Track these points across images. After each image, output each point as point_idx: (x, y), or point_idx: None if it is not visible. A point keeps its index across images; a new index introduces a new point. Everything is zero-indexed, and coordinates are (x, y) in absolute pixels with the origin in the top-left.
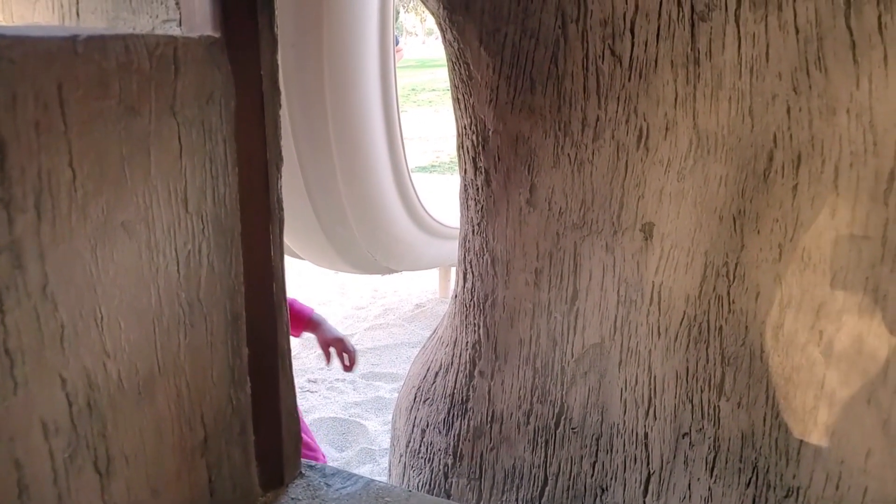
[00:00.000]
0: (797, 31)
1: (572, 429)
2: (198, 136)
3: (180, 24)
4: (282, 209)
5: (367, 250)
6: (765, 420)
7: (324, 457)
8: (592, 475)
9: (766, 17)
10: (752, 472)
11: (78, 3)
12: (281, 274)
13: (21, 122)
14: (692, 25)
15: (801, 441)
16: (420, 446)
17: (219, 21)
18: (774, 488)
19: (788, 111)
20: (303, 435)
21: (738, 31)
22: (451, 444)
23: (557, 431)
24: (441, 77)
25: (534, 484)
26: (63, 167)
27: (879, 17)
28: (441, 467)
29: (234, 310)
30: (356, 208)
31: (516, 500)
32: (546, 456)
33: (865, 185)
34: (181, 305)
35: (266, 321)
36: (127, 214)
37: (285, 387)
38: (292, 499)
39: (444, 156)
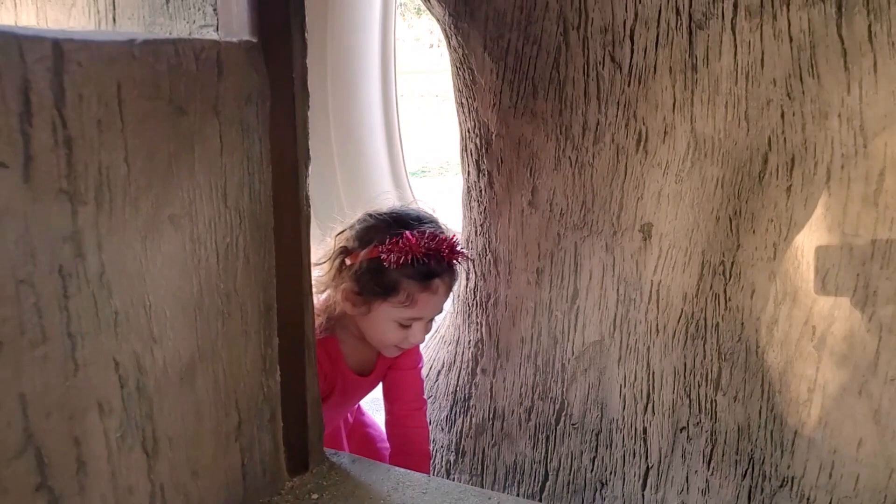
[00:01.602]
0: (791, 40)
1: (572, 425)
2: (237, 135)
3: (217, 30)
4: (309, 205)
5: None
6: (760, 413)
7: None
8: (592, 470)
9: (761, 25)
10: (748, 464)
11: (115, 8)
12: (308, 267)
13: (86, 120)
14: (690, 33)
15: (796, 432)
16: None
17: (256, 26)
18: (770, 479)
19: (782, 115)
20: (370, 430)
21: (735, 39)
22: (454, 440)
23: (558, 427)
24: (428, 84)
25: (535, 479)
26: (119, 163)
27: (870, 27)
28: (443, 464)
29: (266, 301)
30: (355, 214)
31: (517, 495)
32: (547, 451)
33: (856, 186)
34: (220, 296)
35: (295, 312)
36: (173, 208)
37: (311, 377)
38: (317, 483)
39: (433, 161)
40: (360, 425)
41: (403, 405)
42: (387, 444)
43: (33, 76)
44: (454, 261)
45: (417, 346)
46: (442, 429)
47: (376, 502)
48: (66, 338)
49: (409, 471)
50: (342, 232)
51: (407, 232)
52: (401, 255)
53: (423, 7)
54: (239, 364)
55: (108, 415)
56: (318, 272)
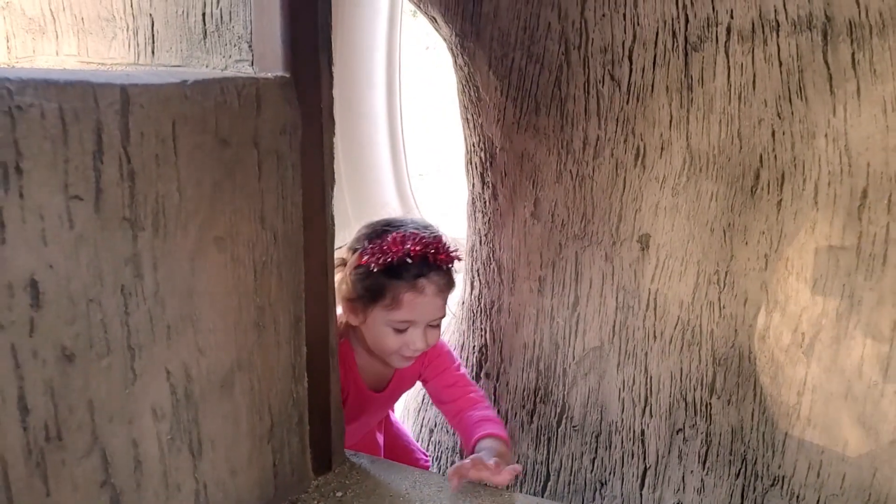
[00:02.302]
0: (780, 64)
1: (573, 427)
2: (272, 163)
3: (252, 64)
4: (333, 224)
5: None
6: (752, 415)
7: (426, 456)
8: (592, 470)
9: (753, 49)
10: (741, 464)
11: (154, 41)
12: (332, 282)
13: (146, 156)
14: (685, 55)
15: (786, 434)
16: (428, 445)
17: (288, 62)
18: (762, 478)
19: (773, 134)
20: (403, 441)
21: (728, 62)
22: (458, 442)
23: (559, 430)
24: (423, 86)
25: (537, 479)
26: (172, 192)
27: (853, 55)
28: (448, 464)
29: (296, 313)
30: (359, 217)
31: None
32: (548, 453)
33: (842, 202)
34: (256, 309)
35: (320, 323)
36: (217, 231)
37: (334, 383)
38: (340, 482)
39: (428, 164)
40: (394, 437)
41: (454, 404)
42: (421, 455)
43: (105, 118)
44: (441, 262)
45: (445, 352)
46: (447, 431)
47: (396, 499)
48: (126, 350)
49: (425, 470)
50: (341, 247)
51: (388, 235)
52: (381, 256)
53: (417, 9)
54: (272, 372)
55: (160, 419)
56: None
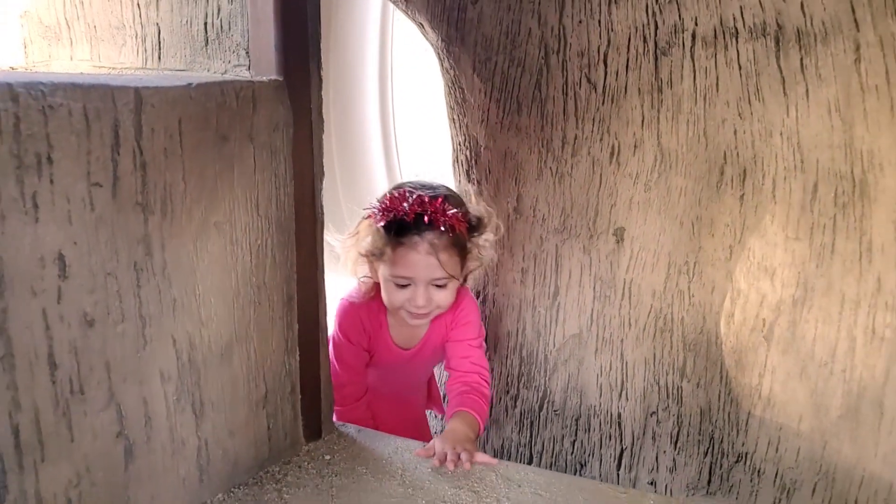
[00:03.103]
0: (740, 67)
1: (554, 411)
2: (267, 157)
3: (249, 69)
4: (323, 213)
5: None
6: (719, 397)
7: None
8: (573, 452)
9: (716, 54)
10: (709, 443)
11: (160, 48)
12: (322, 265)
13: (156, 149)
14: (655, 59)
15: (749, 413)
16: None
17: (281, 67)
18: (727, 455)
19: (735, 133)
20: None
21: (694, 65)
22: (445, 427)
23: (541, 414)
24: (419, 88)
25: (520, 461)
26: (178, 181)
27: (801, 60)
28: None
29: (289, 292)
30: (353, 213)
31: None
32: (531, 436)
33: (796, 196)
34: (252, 287)
35: (311, 302)
36: (217, 216)
37: (324, 357)
38: (329, 448)
39: (424, 165)
40: None
41: (454, 374)
42: None
43: (121, 116)
44: (438, 222)
45: (473, 322)
46: (435, 416)
47: (379, 462)
48: (138, 318)
49: (406, 438)
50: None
51: (394, 193)
52: (382, 213)
53: (406, 16)
54: (266, 344)
55: (167, 381)
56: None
